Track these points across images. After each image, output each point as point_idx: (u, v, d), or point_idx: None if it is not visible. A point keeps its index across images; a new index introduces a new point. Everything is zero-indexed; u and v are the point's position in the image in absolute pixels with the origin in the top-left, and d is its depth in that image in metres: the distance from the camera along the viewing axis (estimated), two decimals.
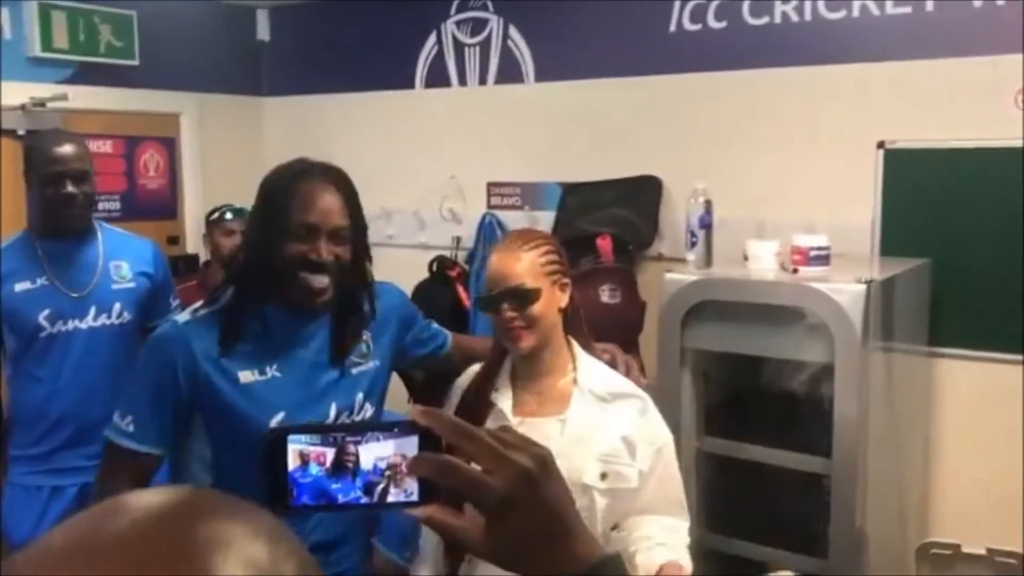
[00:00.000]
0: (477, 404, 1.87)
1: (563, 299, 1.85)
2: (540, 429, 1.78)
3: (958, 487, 3.03)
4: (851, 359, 2.46)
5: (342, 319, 1.89)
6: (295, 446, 0.74)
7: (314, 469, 0.74)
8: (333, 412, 1.86)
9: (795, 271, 2.63)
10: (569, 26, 3.78)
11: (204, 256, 4.07)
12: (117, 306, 2.77)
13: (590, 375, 1.86)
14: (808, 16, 3.24)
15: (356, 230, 1.84)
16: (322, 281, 1.78)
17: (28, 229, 2.82)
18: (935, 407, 3.08)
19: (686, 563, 1.79)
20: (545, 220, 3.80)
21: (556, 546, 0.71)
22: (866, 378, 2.49)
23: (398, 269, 2.77)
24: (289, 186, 1.79)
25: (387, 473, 0.73)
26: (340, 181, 1.84)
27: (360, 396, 1.91)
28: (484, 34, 4.01)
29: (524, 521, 0.70)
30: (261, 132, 4.66)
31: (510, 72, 3.96)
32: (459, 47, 4.09)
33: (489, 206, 4.02)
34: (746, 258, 2.78)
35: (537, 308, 1.79)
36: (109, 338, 2.75)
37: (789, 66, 3.28)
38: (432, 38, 4.15)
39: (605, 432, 1.81)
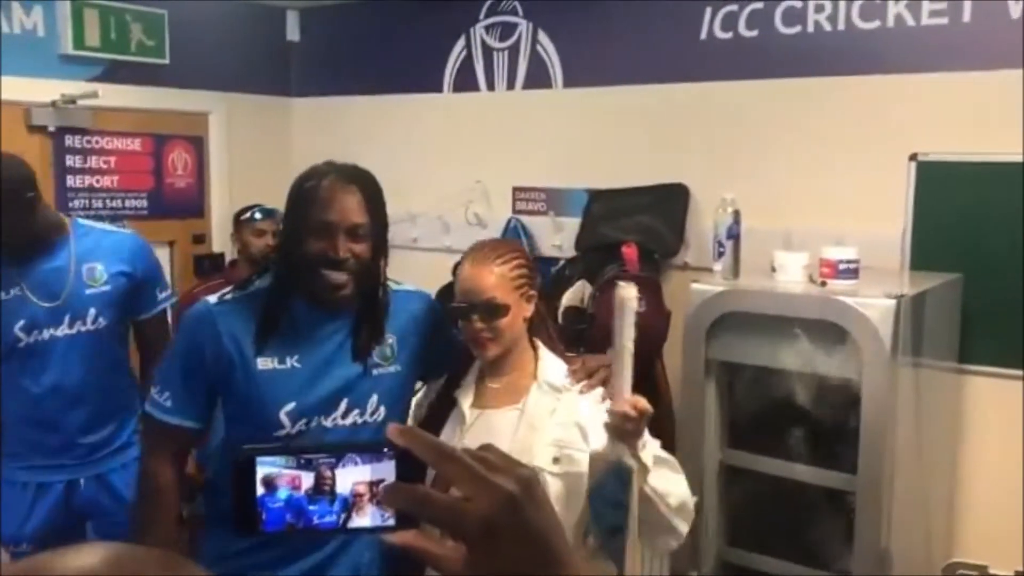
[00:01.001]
0: (440, 402, 2.02)
1: (528, 309, 1.96)
2: (496, 419, 1.94)
3: (986, 507, 2.97)
4: (879, 375, 2.42)
5: (364, 318, 1.95)
6: (266, 469, 0.71)
7: (284, 493, 0.71)
8: (343, 408, 1.91)
9: (823, 284, 2.59)
10: (599, 31, 3.76)
11: (230, 255, 4.09)
12: (92, 311, 2.70)
13: (549, 369, 1.98)
14: (841, 25, 3.20)
15: (376, 229, 1.90)
16: (340, 277, 1.87)
17: None
18: (964, 425, 3.03)
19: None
20: (570, 226, 3.78)
21: (548, 571, 0.67)
22: (894, 394, 2.45)
23: (422, 272, 2.76)
24: (312, 186, 1.88)
25: (364, 496, 0.70)
26: (362, 181, 1.91)
27: (375, 398, 1.95)
28: (513, 39, 3.99)
29: (508, 549, 0.65)
30: (289, 132, 4.67)
31: (538, 77, 3.94)
32: (488, 51, 4.08)
33: (514, 211, 4.01)
34: (773, 269, 2.75)
35: (505, 321, 1.91)
36: (87, 343, 2.70)
37: (821, 76, 3.24)
38: (461, 42, 4.14)
39: (559, 419, 1.91)
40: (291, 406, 1.86)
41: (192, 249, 4.23)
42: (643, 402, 1.76)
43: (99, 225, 2.90)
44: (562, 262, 3.73)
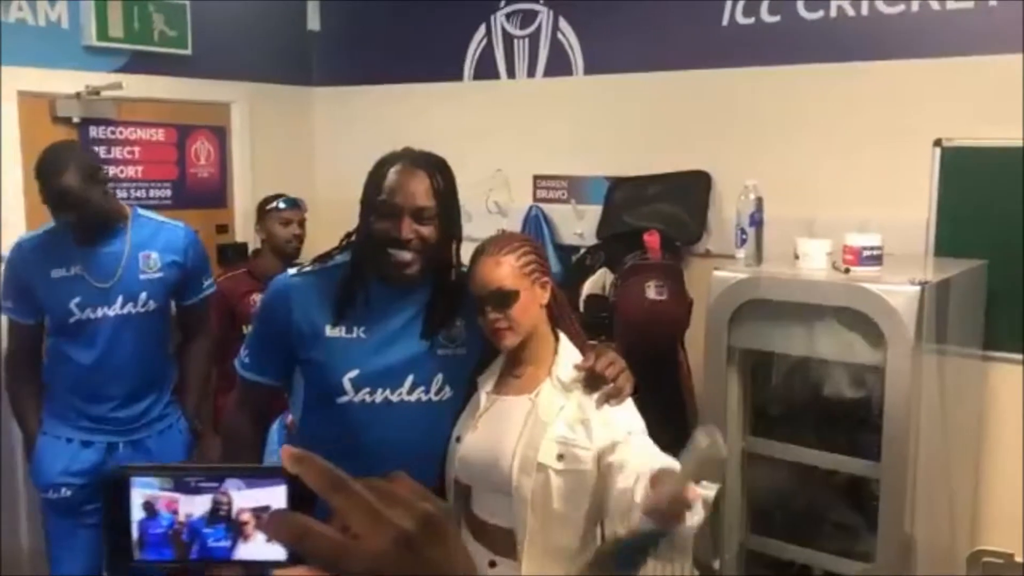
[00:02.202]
0: (467, 388, 2.08)
1: (543, 296, 2.01)
2: (508, 406, 1.99)
3: (1012, 494, 2.95)
4: (903, 361, 2.41)
5: (435, 298, 2.06)
6: (143, 491, 0.64)
7: (164, 518, 0.64)
8: (408, 383, 2.03)
9: (847, 271, 2.58)
10: (620, 18, 3.74)
11: (253, 244, 4.11)
12: (143, 295, 2.94)
13: (563, 365, 2.00)
14: (865, 11, 3.18)
15: (443, 211, 1.99)
16: (404, 256, 1.97)
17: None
18: (988, 411, 3.01)
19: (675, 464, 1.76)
20: (591, 214, 3.78)
21: None
22: (918, 381, 2.44)
23: None
24: (382, 171, 2.00)
25: (250, 524, 0.63)
26: (432, 167, 2.01)
27: (440, 377, 2.05)
28: (534, 26, 3.99)
29: None
30: (310, 122, 4.69)
31: (559, 65, 3.93)
32: (508, 39, 4.07)
33: (535, 199, 4.01)
34: (796, 256, 2.74)
35: (517, 308, 1.95)
36: (136, 324, 2.93)
37: (844, 61, 3.21)
38: (481, 30, 4.14)
39: (566, 416, 1.93)
40: (354, 373, 2.00)
41: (215, 239, 4.25)
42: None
43: (157, 216, 3.14)
44: (583, 250, 3.73)
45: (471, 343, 2.07)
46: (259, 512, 0.63)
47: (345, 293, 2.03)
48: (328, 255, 2.13)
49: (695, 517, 1.66)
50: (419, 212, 1.96)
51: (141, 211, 3.07)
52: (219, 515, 0.63)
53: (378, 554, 0.57)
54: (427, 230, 1.98)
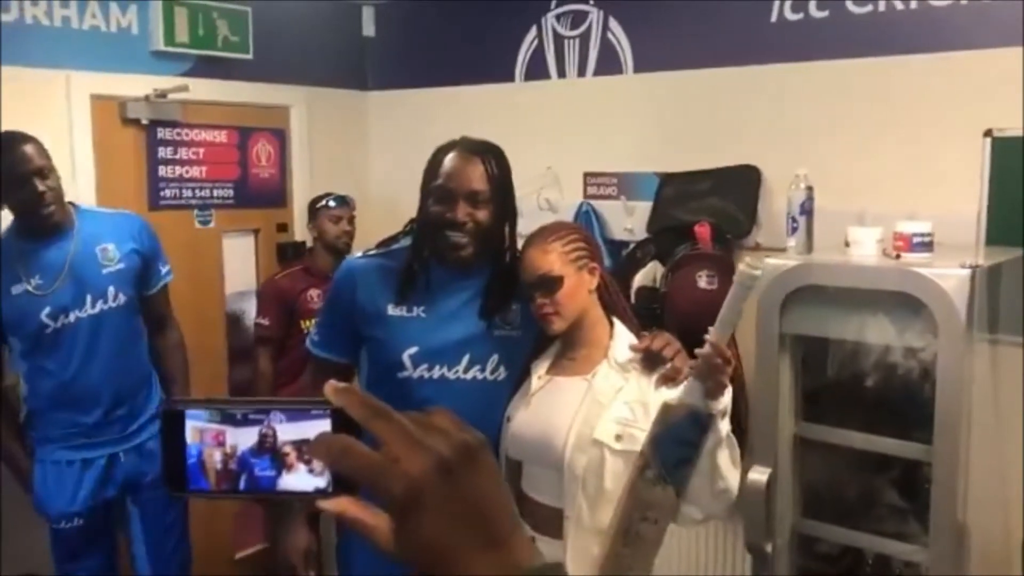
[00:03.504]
0: (520, 371, 2.13)
1: (592, 282, 2.06)
2: (563, 386, 2.03)
3: None
4: (955, 345, 2.44)
5: (492, 281, 2.14)
6: (195, 423, 0.67)
7: (216, 451, 0.67)
8: (465, 362, 2.10)
9: (897, 256, 2.61)
10: (669, 17, 3.81)
11: (309, 242, 4.24)
12: (111, 289, 2.87)
13: (620, 347, 2.04)
14: (914, 4, 3.21)
15: (497, 196, 2.07)
16: (459, 238, 2.05)
17: (8, 231, 2.87)
18: None
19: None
20: (641, 210, 3.84)
21: (475, 552, 0.60)
22: (970, 365, 2.46)
23: None
24: (438, 158, 2.10)
25: (296, 458, 0.67)
26: (487, 153, 2.11)
27: (496, 358, 2.12)
28: (584, 26, 4.07)
29: (437, 520, 0.59)
30: (366, 125, 4.81)
31: (609, 63, 4.01)
32: (559, 40, 4.16)
33: (585, 196, 4.08)
34: (847, 244, 2.77)
35: (563, 294, 2.00)
36: (111, 321, 2.87)
37: (894, 55, 3.25)
38: (532, 31, 4.23)
39: (625, 397, 1.98)
40: (414, 350, 2.08)
41: (276, 237, 4.39)
42: (730, 355, 1.82)
43: (101, 208, 3.10)
44: (633, 245, 3.79)
45: (526, 326, 2.13)
46: (300, 444, 0.66)
47: (406, 274, 2.12)
48: (393, 239, 2.26)
49: (727, 397, 1.83)
50: (473, 196, 2.04)
51: (83, 206, 3.01)
52: (264, 447, 0.67)
53: (416, 476, 0.59)
54: (481, 214, 2.06)
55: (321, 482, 0.66)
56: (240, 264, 4.30)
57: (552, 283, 2.00)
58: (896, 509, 2.75)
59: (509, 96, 4.32)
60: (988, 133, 3.06)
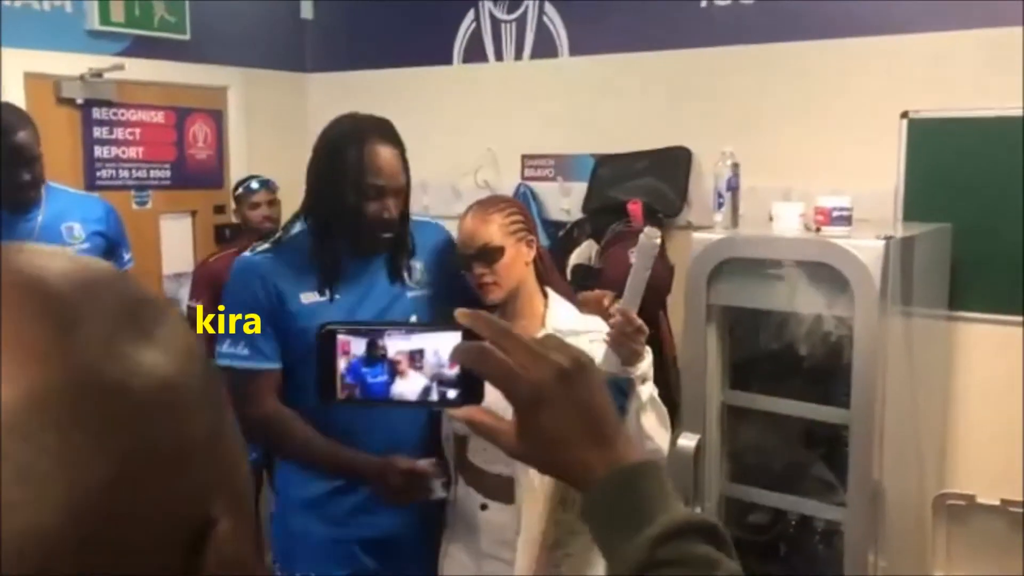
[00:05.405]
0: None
1: (529, 254, 2.11)
2: None
3: (974, 441, 3.13)
4: (871, 313, 2.56)
5: (396, 247, 2.13)
6: (345, 338, 0.75)
7: (363, 366, 0.75)
8: None
9: (818, 230, 2.74)
10: (603, 2, 3.90)
11: None
12: None
13: (556, 316, 2.10)
14: None
15: (408, 183, 2.09)
16: (389, 234, 2.06)
17: None
18: (953, 366, 3.18)
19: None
20: (577, 191, 3.93)
21: (589, 448, 0.70)
22: (884, 331, 2.59)
23: None
24: (360, 148, 2.01)
25: (408, 364, 0.74)
26: (395, 137, 2.08)
27: (414, 318, 2.12)
28: (520, 10, 4.14)
29: (555, 418, 0.69)
30: (304, 107, 4.82)
31: (545, 47, 4.09)
32: (496, 23, 4.22)
33: (523, 177, 4.15)
34: (771, 219, 2.89)
35: (503, 265, 2.04)
36: None
37: (817, 39, 3.38)
38: (470, 15, 4.28)
39: None
40: None
41: (213, 219, 4.38)
42: (641, 322, 1.91)
43: (71, 189, 3.07)
44: (570, 224, 3.88)
45: (433, 284, 2.18)
46: (412, 353, 0.74)
47: (314, 261, 2.04)
48: (281, 232, 2.17)
49: (645, 363, 1.91)
50: (400, 191, 2.06)
51: (53, 184, 2.98)
52: (375, 356, 0.75)
53: (540, 382, 0.69)
54: (402, 202, 2.07)
55: (433, 392, 0.74)
56: (178, 246, 4.29)
57: (493, 254, 2.05)
58: (819, 473, 2.88)
59: (447, 78, 4.37)
60: (905, 115, 3.21)
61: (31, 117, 2.85)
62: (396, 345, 0.74)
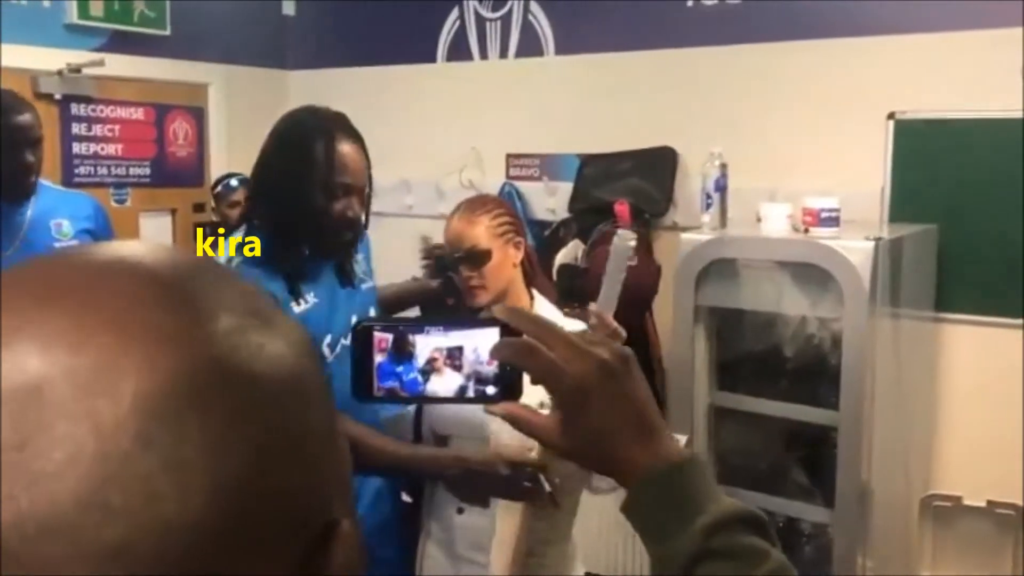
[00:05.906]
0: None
1: (516, 256, 2.06)
2: None
3: (961, 443, 3.13)
4: (860, 314, 2.56)
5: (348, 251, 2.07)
6: (381, 335, 0.75)
7: (398, 363, 0.75)
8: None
9: (806, 231, 2.73)
10: (588, 1, 3.88)
11: None
12: None
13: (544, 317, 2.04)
14: None
15: (370, 181, 2.03)
16: (352, 235, 1.98)
17: None
18: (940, 368, 3.18)
19: None
20: (563, 190, 3.90)
21: (633, 442, 0.70)
22: (873, 333, 2.58)
23: (417, 238, 2.89)
24: (326, 146, 1.92)
25: (444, 362, 0.74)
26: (356, 132, 2.00)
27: (372, 311, 2.11)
28: (505, 8, 4.11)
29: (599, 412, 0.69)
30: (285, 104, 4.70)
31: (530, 46, 4.06)
32: (481, 21, 4.19)
33: (508, 177, 4.13)
34: (759, 220, 2.88)
35: (491, 267, 1.99)
36: None
37: (804, 39, 3.38)
38: (455, 12, 4.25)
39: None
40: (328, 338, 1.96)
41: (192, 217, 4.33)
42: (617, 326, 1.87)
43: (59, 187, 3.04)
44: (555, 224, 3.85)
45: (371, 273, 2.18)
46: (451, 351, 0.74)
47: (281, 269, 1.95)
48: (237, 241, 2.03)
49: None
50: (363, 190, 1.98)
51: (41, 180, 2.93)
52: (403, 353, 0.75)
53: (583, 375, 0.69)
54: (362, 201, 1.99)
55: (470, 388, 0.74)
56: None
57: (480, 257, 2.00)
58: (806, 474, 2.88)
59: (431, 77, 4.34)
60: (891, 116, 3.21)
61: (29, 104, 2.81)
62: (434, 341, 0.74)
